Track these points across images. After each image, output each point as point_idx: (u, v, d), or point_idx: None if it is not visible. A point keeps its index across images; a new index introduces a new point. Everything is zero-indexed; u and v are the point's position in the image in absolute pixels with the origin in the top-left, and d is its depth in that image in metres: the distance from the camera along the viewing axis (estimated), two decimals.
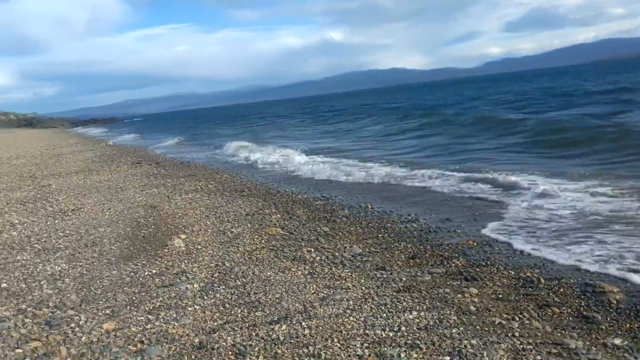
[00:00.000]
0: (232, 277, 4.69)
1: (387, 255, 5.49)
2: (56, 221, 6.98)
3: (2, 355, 3.23)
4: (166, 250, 5.56)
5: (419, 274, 4.86)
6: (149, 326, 3.66)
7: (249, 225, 6.73)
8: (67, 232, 6.37)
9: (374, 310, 3.90)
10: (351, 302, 4.06)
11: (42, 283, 4.55)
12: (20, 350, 3.28)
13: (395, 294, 4.28)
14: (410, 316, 3.79)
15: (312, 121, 41.17)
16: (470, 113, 26.81)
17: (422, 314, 3.84)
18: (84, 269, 4.94)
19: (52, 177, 11.86)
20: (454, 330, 3.52)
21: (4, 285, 4.52)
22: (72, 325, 3.68)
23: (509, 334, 3.47)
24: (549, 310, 3.95)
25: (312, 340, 3.36)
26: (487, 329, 3.56)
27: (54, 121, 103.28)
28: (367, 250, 5.64)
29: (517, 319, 3.77)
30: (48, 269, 4.96)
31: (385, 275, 4.77)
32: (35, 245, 5.80)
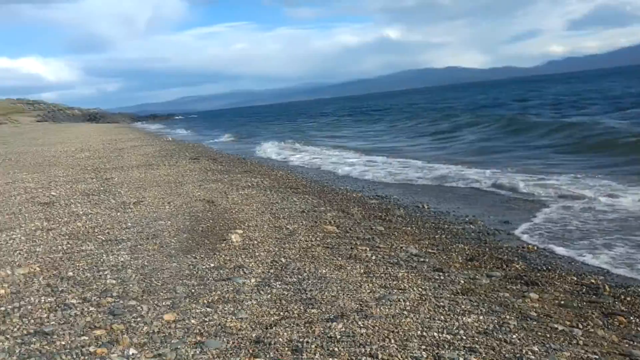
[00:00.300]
0: (288, 273, 4.73)
1: (444, 257, 5.41)
2: (118, 213, 7.21)
3: (69, 341, 3.35)
4: (223, 245, 5.65)
5: (477, 276, 4.78)
6: (207, 319, 3.72)
7: (303, 222, 6.77)
8: (129, 224, 6.57)
9: (431, 312, 3.85)
10: (407, 303, 4.02)
11: (105, 273, 4.70)
12: (85, 337, 3.40)
13: (452, 296, 4.22)
14: (469, 319, 3.73)
15: (363, 119, 41.05)
16: (527, 114, 26.22)
17: (480, 317, 3.77)
18: (145, 261, 5.07)
19: (114, 170, 12.25)
20: (514, 336, 3.43)
21: (70, 274, 4.69)
22: (134, 315, 3.79)
23: (572, 342, 3.36)
24: (616, 320, 3.81)
25: (369, 340, 3.34)
26: (548, 335, 3.46)
27: (116, 116, 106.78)
28: (424, 251, 5.58)
29: (580, 326, 3.65)
30: (111, 259, 5.13)
31: (442, 277, 4.71)
32: (99, 236, 6.00)
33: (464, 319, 3.75)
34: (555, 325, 3.63)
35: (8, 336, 3.43)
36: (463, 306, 4.01)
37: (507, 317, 3.79)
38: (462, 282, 4.62)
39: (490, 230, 6.66)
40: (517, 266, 5.14)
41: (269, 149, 20.65)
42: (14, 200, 8.11)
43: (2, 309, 3.89)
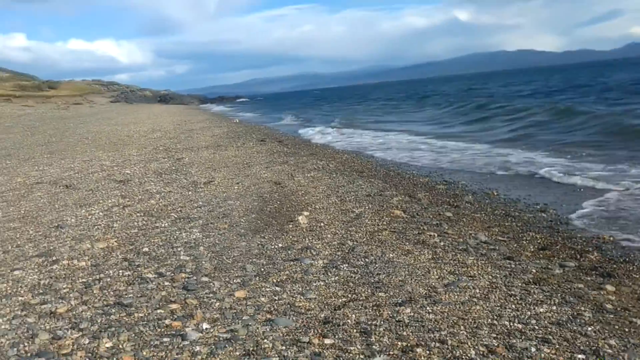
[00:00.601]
0: (355, 256, 4.74)
1: (515, 245, 5.28)
2: (190, 192, 7.42)
3: (146, 314, 3.49)
4: (291, 226, 5.72)
5: (549, 266, 4.64)
6: (276, 297, 3.79)
7: (369, 206, 6.75)
8: (200, 203, 6.75)
9: (501, 301, 3.77)
10: (477, 291, 3.96)
11: (179, 250, 4.85)
12: (161, 311, 3.54)
13: (524, 285, 4.12)
14: (541, 310, 3.63)
15: (430, 103, 40.32)
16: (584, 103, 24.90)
17: (553, 308, 3.66)
18: (216, 239, 5.21)
19: (185, 151, 12.59)
20: (589, 328, 3.32)
21: (145, 249, 4.88)
22: (207, 291, 3.90)
23: None
24: None
25: (437, 326, 3.32)
26: (627, 329, 3.32)
27: (185, 97, 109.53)
28: (493, 238, 5.46)
29: None
30: (184, 236, 5.29)
31: (512, 266, 4.60)
32: (172, 214, 6.20)
33: (536, 308, 3.65)
34: (635, 320, 3.48)
35: (90, 306, 3.61)
36: (535, 296, 3.90)
37: (582, 308, 3.66)
38: (534, 271, 4.49)
39: (562, 219, 6.44)
40: (592, 257, 4.95)
41: (330, 132, 20.71)
42: (91, 178, 8.48)
43: (84, 280, 4.09)
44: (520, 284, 4.14)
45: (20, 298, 3.73)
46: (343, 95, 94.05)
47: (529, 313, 3.57)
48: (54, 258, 4.56)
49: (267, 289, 3.95)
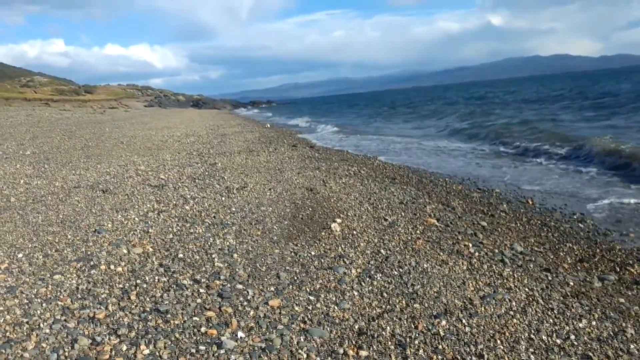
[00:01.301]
0: (389, 265, 4.71)
1: (552, 256, 5.18)
2: (223, 198, 7.48)
3: (182, 321, 3.53)
4: (324, 233, 5.72)
5: (587, 279, 4.54)
6: (311, 307, 3.79)
7: (402, 214, 6.71)
8: (234, 209, 6.80)
9: (539, 314, 3.71)
10: (514, 304, 3.90)
11: (213, 256, 4.89)
12: (197, 318, 3.57)
13: (562, 298, 4.04)
14: (580, 325, 3.55)
15: (459, 109, 40.01)
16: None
17: (593, 323, 3.58)
18: (250, 246, 5.24)
19: (218, 155, 12.71)
20: (632, 346, 3.24)
21: (180, 255, 4.93)
22: (241, 299, 3.93)
23: None
24: None
25: (474, 340, 3.28)
26: None
27: (218, 102, 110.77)
28: (530, 249, 5.37)
29: None
30: (218, 243, 5.33)
31: (550, 278, 4.51)
32: (206, 220, 6.25)
33: (576, 323, 3.58)
34: None
35: (127, 312, 3.67)
36: (574, 310, 3.83)
37: (624, 324, 3.57)
38: (572, 284, 4.41)
39: (601, 230, 6.29)
40: (634, 270, 4.82)
41: (360, 137, 20.70)
42: (127, 182, 8.61)
43: (121, 286, 4.16)
44: (558, 297, 4.06)
45: (60, 303, 3.81)
46: (379, 100, 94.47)
47: (568, 328, 3.50)
48: (93, 263, 4.64)
49: (301, 298, 3.96)
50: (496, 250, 5.23)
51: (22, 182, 8.48)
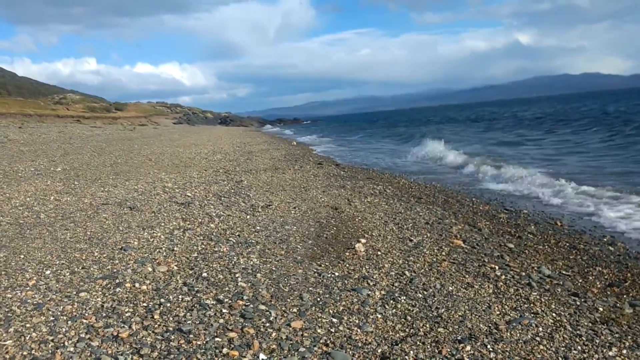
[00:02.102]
0: (413, 288, 4.66)
1: (580, 280, 5.07)
2: (248, 216, 7.50)
3: (204, 342, 3.53)
4: (348, 254, 5.69)
5: (618, 305, 4.42)
6: (333, 329, 3.76)
7: (428, 234, 6.65)
8: (258, 227, 6.81)
9: (567, 341, 3.62)
10: (540, 329, 3.81)
11: (237, 276, 4.89)
12: (219, 339, 3.56)
13: (591, 325, 3.94)
14: (610, 353, 3.46)
15: (488, 128, 39.72)
16: None
17: (624, 352, 3.48)
18: (273, 266, 5.23)
19: (244, 173, 12.79)
20: None
21: (204, 274, 4.94)
22: (263, 320, 3.91)
23: None
24: None
25: None
26: None
27: (245, 120, 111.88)
28: (557, 272, 5.26)
29: None
30: (242, 262, 5.34)
31: (578, 303, 4.41)
32: (231, 238, 6.27)
33: (605, 351, 3.48)
34: None
35: (150, 332, 3.68)
36: (603, 337, 3.72)
37: None
38: (601, 309, 4.30)
39: (632, 253, 6.15)
40: None
41: (389, 154, 20.64)
42: (154, 200, 8.70)
43: (145, 304, 4.18)
44: (587, 324, 3.96)
45: (85, 320, 3.84)
46: (403, 118, 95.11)
47: (597, 356, 3.41)
48: (118, 281, 4.68)
49: (324, 320, 3.93)
50: (523, 274, 5.14)
51: (52, 198, 8.63)
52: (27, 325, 3.74)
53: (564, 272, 5.30)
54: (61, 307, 4.07)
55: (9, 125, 37.58)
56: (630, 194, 9.41)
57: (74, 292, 4.39)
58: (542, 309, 4.24)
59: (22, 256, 5.36)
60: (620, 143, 20.43)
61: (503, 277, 5.01)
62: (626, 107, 50.56)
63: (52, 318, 3.86)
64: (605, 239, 6.78)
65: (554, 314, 4.13)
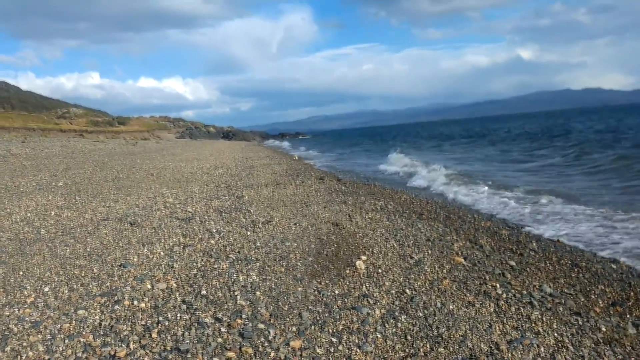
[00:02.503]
0: (414, 306, 4.62)
1: (582, 299, 5.02)
2: (249, 232, 7.48)
3: None
4: (348, 271, 5.66)
5: (621, 325, 4.38)
6: (332, 349, 3.73)
7: (429, 251, 6.61)
8: (259, 244, 6.79)
9: None
10: (542, 350, 3.77)
11: (236, 294, 4.87)
12: (217, 359, 3.53)
13: (593, 345, 3.90)
14: None
15: (493, 143, 39.78)
16: None
17: None
18: (273, 283, 5.20)
19: (245, 188, 12.79)
20: None
21: (203, 292, 4.92)
22: (262, 339, 3.88)
23: None
24: None
25: None
26: None
27: (247, 134, 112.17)
28: (559, 291, 5.22)
29: None
30: (241, 279, 5.31)
31: (580, 322, 4.37)
32: (231, 255, 6.25)
33: None
34: None
35: (148, 351, 3.65)
36: (606, 358, 3.70)
37: None
38: (604, 329, 4.26)
39: (635, 272, 6.10)
40: None
41: (383, 168, 20.70)
42: (155, 215, 8.69)
43: (143, 323, 4.15)
44: (589, 344, 3.92)
45: (82, 339, 3.81)
46: (404, 132, 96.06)
47: None
48: (117, 298, 4.66)
49: (323, 340, 3.90)
50: (524, 292, 5.10)
51: (52, 213, 8.63)
52: (24, 344, 3.72)
53: (565, 290, 5.26)
54: (59, 325, 4.05)
55: (12, 139, 37.71)
56: (626, 212, 9.38)
57: (72, 310, 4.37)
58: (544, 328, 4.20)
59: (21, 272, 5.35)
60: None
61: (504, 295, 4.98)
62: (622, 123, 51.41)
63: (49, 336, 3.84)
64: (608, 257, 6.74)
65: (555, 334, 4.09)
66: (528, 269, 5.97)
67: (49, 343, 3.73)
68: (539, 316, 4.47)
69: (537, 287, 5.29)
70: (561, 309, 4.69)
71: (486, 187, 13.50)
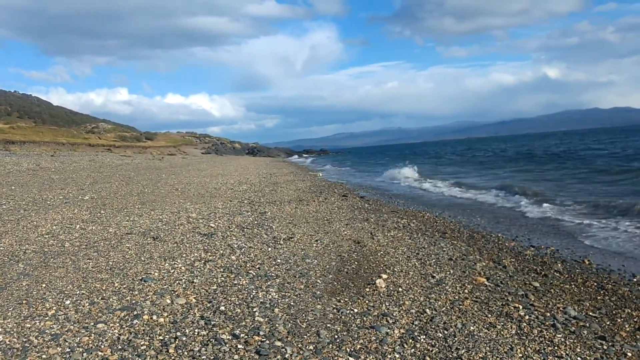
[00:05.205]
0: (434, 327, 4.55)
1: (608, 323, 4.90)
2: (270, 249, 7.48)
3: None
4: (368, 290, 5.61)
5: None
6: None
7: (451, 271, 6.53)
8: (279, 260, 6.78)
9: None
10: None
11: (254, 310, 4.85)
12: None
13: None
14: None
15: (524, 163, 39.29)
16: None
17: None
18: (292, 300, 5.18)
19: (268, 204, 12.82)
20: None
21: (222, 308, 4.91)
22: (279, 357, 3.85)
23: None
24: None
25: None
26: None
27: (272, 150, 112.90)
28: (584, 313, 5.09)
29: None
30: (260, 296, 5.30)
31: (605, 347, 4.25)
32: (251, 271, 6.25)
33: None
34: None
35: None
36: None
37: None
38: (630, 354, 4.14)
39: None
40: None
41: (409, 184, 20.61)
42: (177, 230, 8.76)
43: (161, 338, 4.16)
44: None
45: (100, 353, 3.83)
46: (431, 150, 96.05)
47: None
48: (136, 313, 4.68)
49: (341, 359, 3.85)
50: (548, 314, 4.99)
51: (77, 227, 8.75)
52: (44, 356, 3.75)
53: (590, 313, 5.14)
54: (78, 338, 4.08)
55: (41, 153, 38.50)
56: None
57: (92, 323, 4.40)
58: (567, 352, 4.10)
59: (43, 285, 5.41)
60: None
61: (527, 317, 4.87)
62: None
63: (68, 349, 3.86)
64: (635, 279, 6.57)
65: (579, 358, 3.99)
66: (552, 291, 5.85)
67: (68, 356, 3.75)
68: (562, 339, 4.36)
69: (561, 309, 5.17)
70: (585, 332, 4.57)
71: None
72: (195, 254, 7.02)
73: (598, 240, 9.20)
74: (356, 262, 6.81)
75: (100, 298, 5.06)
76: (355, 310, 4.93)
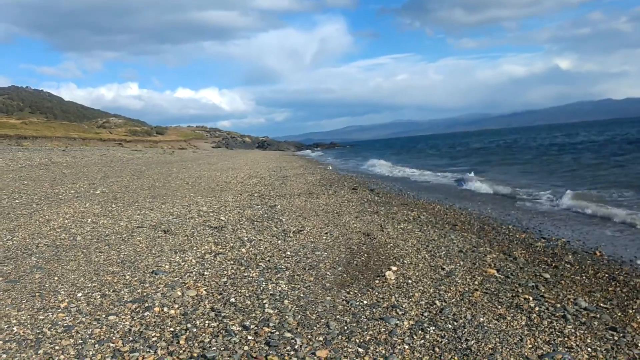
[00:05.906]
0: (443, 318, 4.56)
1: (619, 314, 4.87)
2: (279, 241, 7.51)
3: None
4: (377, 282, 5.62)
5: None
6: (358, 359, 3.70)
7: (461, 263, 6.52)
8: (289, 253, 6.80)
9: None
10: None
11: (264, 302, 4.88)
12: None
13: None
14: None
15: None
16: None
17: None
18: (301, 292, 5.20)
19: (278, 197, 12.85)
20: None
21: (232, 300, 4.94)
22: (288, 348, 3.88)
23: None
24: None
25: None
26: None
27: (282, 144, 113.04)
28: (595, 305, 5.07)
29: None
30: (270, 288, 5.32)
31: (616, 338, 4.23)
32: (261, 263, 6.28)
33: None
34: None
35: (175, 357, 3.68)
36: None
37: None
38: None
39: None
40: None
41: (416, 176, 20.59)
42: (188, 223, 8.80)
43: (172, 329, 4.19)
44: None
45: (112, 344, 3.87)
46: (440, 143, 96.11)
47: None
48: (147, 305, 4.72)
49: (350, 350, 3.87)
50: (558, 305, 4.97)
51: (89, 220, 8.82)
52: (57, 347, 3.79)
53: (601, 304, 5.11)
54: (90, 330, 4.12)
55: (53, 148, 38.79)
56: None
57: (104, 315, 4.44)
58: (577, 343, 4.09)
59: (56, 278, 5.47)
60: None
61: (537, 308, 4.86)
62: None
63: (80, 341, 3.91)
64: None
65: (589, 349, 3.98)
66: (563, 282, 5.83)
67: (80, 347, 3.80)
68: (573, 330, 4.35)
69: (571, 300, 5.16)
70: (596, 323, 4.56)
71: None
72: (206, 247, 7.05)
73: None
74: (366, 255, 6.81)
75: (111, 290, 5.11)
76: (365, 302, 4.94)
